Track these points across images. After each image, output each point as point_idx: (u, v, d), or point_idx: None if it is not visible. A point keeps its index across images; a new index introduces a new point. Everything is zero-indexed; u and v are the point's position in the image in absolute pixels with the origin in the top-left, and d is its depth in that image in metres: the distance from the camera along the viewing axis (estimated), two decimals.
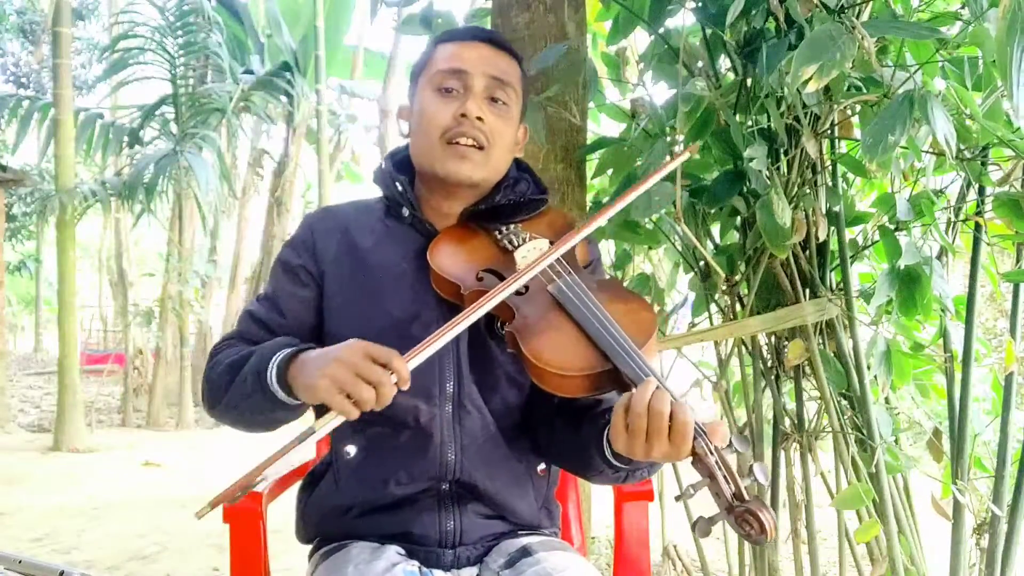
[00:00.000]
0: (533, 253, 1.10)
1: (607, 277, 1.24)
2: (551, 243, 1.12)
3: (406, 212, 1.18)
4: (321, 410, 0.97)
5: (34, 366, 14.99)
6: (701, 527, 0.86)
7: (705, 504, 0.91)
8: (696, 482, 0.87)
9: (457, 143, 1.12)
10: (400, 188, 1.18)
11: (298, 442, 0.88)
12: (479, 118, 1.11)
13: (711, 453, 0.86)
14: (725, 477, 0.85)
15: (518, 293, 1.04)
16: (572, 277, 1.06)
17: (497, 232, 1.16)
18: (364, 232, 1.18)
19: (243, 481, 0.89)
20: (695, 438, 0.86)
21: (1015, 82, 1.26)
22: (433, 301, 1.11)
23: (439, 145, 1.13)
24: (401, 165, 1.22)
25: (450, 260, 1.10)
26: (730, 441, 0.87)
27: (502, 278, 1.05)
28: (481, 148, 1.13)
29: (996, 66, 1.33)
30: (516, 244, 1.13)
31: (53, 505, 4.39)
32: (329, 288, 1.16)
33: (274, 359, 0.99)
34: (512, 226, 1.17)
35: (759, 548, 1.92)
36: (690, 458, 0.88)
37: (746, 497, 0.84)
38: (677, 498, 0.91)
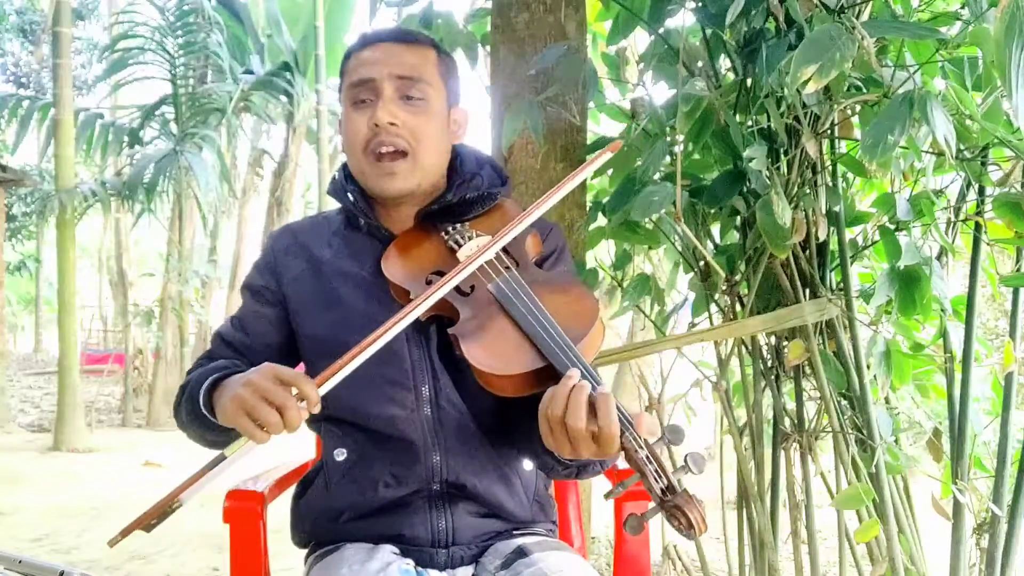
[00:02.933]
0: (475, 251, 1.08)
1: (561, 269, 1.20)
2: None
3: (362, 221, 1.18)
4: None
5: (34, 366, 14.99)
6: (632, 524, 0.84)
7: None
8: (626, 479, 0.86)
9: (380, 154, 1.11)
10: (352, 199, 1.18)
11: (209, 468, 0.88)
12: (391, 123, 1.10)
13: (640, 448, 0.84)
14: (656, 471, 0.83)
15: (463, 294, 1.03)
16: (511, 274, 1.05)
17: (444, 232, 1.15)
18: (323, 245, 1.19)
19: (158, 507, 0.88)
20: (622, 432, 0.84)
21: (1014, 83, 1.26)
22: (397, 307, 1.11)
23: (365, 160, 1.13)
24: (351, 175, 1.22)
25: (400, 267, 1.10)
26: (662, 433, 0.85)
27: None
28: (405, 153, 1.12)
29: (995, 67, 1.33)
30: (461, 243, 1.12)
31: (53, 505, 4.39)
32: (293, 306, 1.17)
33: (203, 385, 1.02)
34: (459, 225, 1.16)
35: (759, 548, 1.92)
36: (622, 453, 0.86)
37: (677, 491, 0.82)
38: (606, 496, 0.88)
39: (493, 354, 0.96)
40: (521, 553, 1.10)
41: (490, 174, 1.22)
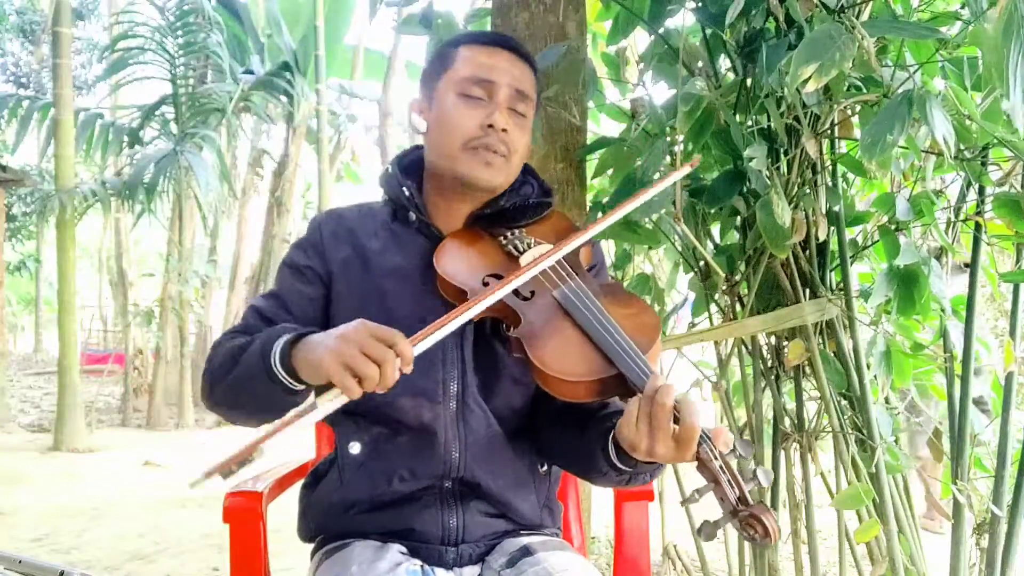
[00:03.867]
0: (536, 258, 1.11)
1: (610, 280, 1.24)
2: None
3: (413, 216, 1.18)
4: (321, 393, 0.94)
5: (34, 366, 14.99)
6: (706, 531, 0.86)
7: (707, 506, 0.91)
8: (701, 487, 0.88)
9: (476, 149, 1.12)
10: (408, 193, 1.18)
11: (298, 417, 0.86)
12: (504, 129, 1.12)
13: (716, 458, 0.86)
14: (729, 481, 0.85)
15: (524, 299, 1.04)
16: (576, 282, 1.07)
17: (502, 238, 1.16)
18: (371, 236, 1.19)
19: (241, 453, 0.86)
20: (700, 443, 0.87)
21: (1012, 84, 1.26)
22: (439, 305, 1.10)
23: (460, 150, 1.13)
24: (408, 169, 1.22)
25: (456, 265, 1.11)
26: (734, 446, 0.88)
27: None
28: (503, 157, 1.14)
29: (993, 67, 1.33)
30: (521, 249, 1.13)
31: (53, 505, 4.39)
32: (337, 290, 1.17)
33: (279, 341, 0.98)
34: (517, 231, 1.18)
35: (759, 548, 1.92)
36: (695, 462, 0.88)
37: (750, 501, 0.84)
38: (683, 503, 0.92)
39: (561, 359, 0.97)
40: (526, 552, 1.11)
41: (536, 184, 1.25)
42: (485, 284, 1.07)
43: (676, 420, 0.87)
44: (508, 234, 1.17)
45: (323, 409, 0.87)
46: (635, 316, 1.04)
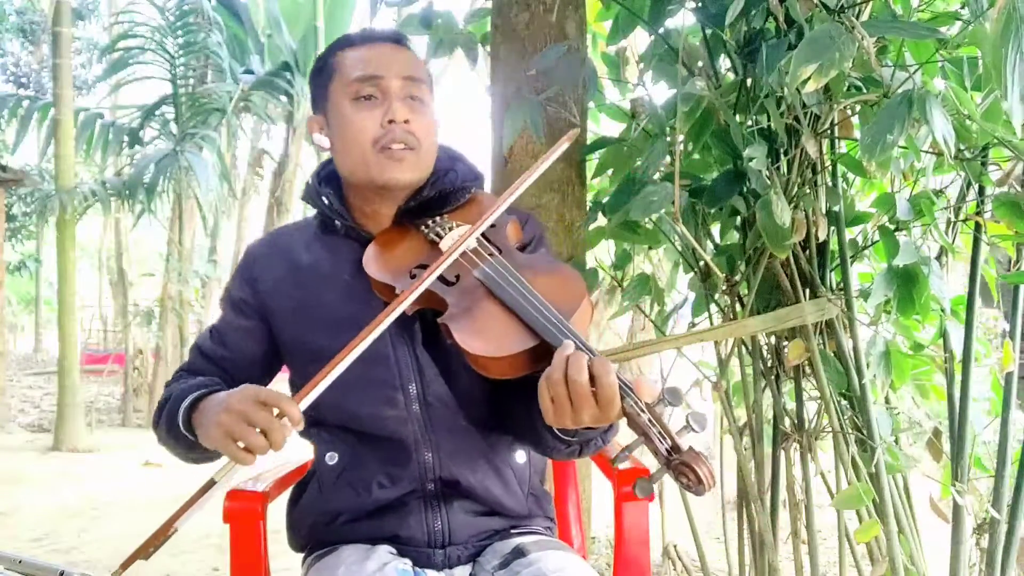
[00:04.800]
0: (456, 240, 1.10)
1: (542, 254, 1.22)
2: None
3: (339, 224, 1.18)
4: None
5: (34, 366, 14.98)
6: (641, 487, 0.84)
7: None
8: (631, 442, 0.86)
9: (386, 149, 1.11)
10: (327, 201, 1.18)
11: (201, 494, 0.90)
12: (406, 121, 1.11)
13: (642, 411, 0.85)
14: (660, 434, 0.84)
15: (449, 284, 1.04)
16: (497, 259, 1.06)
17: (424, 227, 1.16)
18: (302, 250, 1.20)
19: (156, 535, 0.91)
20: (623, 398, 0.85)
21: (1010, 85, 1.26)
22: (379, 305, 1.11)
23: (371, 153, 1.12)
24: (327, 179, 1.22)
25: (382, 264, 1.11)
26: (662, 395, 0.86)
27: None
28: (412, 149, 1.13)
29: (991, 68, 1.33)
30: (442, 235, 1.13)
31: (53, 505, 4.39)
32: (275, 315, 1.18)
33: (181, 406, 1.04)
34: (438, 218, 1.17)
35: (759, 548, 1.92)
36: (623, 419, 0.87)
37: (682, 449, 0.83)
38: (612, 461, 0.90)
39: (485, 337, 0.96)
40: (519, 553, 1.10)
41: (464, 169, 1.23)
42: (412, 276, 1.07)
43: (593, 382, 0.86)
44: (429, 222, 1.16)
45: (223, 481, 0.91)
46: (559, 284, 1.02)
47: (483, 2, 2.45)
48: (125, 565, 0.88)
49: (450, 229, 1.14)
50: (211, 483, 0.90)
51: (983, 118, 1.55)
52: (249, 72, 8.21)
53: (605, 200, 2.06)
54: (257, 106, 8.06)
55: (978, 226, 1.82)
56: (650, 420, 0.84)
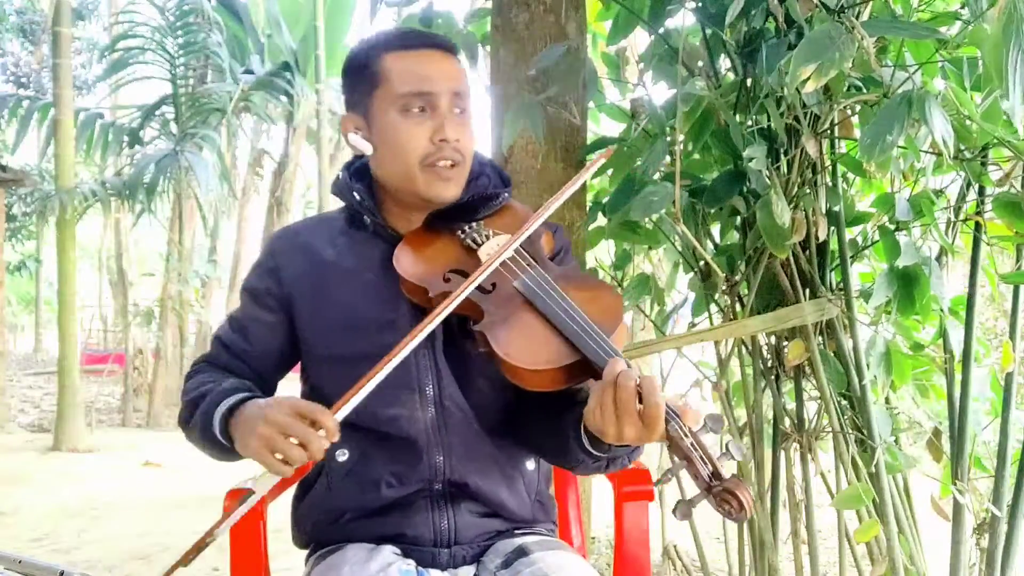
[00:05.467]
0: (496, 249, 1.10)
1: (574, 266, 1.23)
2: None
3: (368, 220, 1.18)
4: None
5: (34, 366, 14.99)
6: (682, 510, 0.85)
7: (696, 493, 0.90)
8: (673, 466, 0.87)
9: (433, 166, 1.11)
10: (358, 197, 1.17)
11: (241, 504, 0.92)
12: (457, 140, 1.11)
13: (686, 436, 0.85)
14: (701, 458, 0.84)
15: (485, 292, 1.04)
16: (536, 270, 1.06)
17: (460, 232, 1.15)
18: (326, 245, 1.18)
19: (196, 546, 0.93)
20: (668, 421, 0.86)
21: (1011, 84, 1.26)
22: (405, 306, 1.11)
23: (417, 168, 1.11)
24: (358, 174, 1.21)
25: (415, 264, 1.10)
26: (704, 421, 0.87)
27: (468, 277, 1.04)
28: (457, 166, 1.13)
29: (992, 67, 1.33)
30: (479, 242, 1.12)
31: (53, 505, 4.39)
32: (299, 309, 1.16)
33: (217, 412, 1.04)
34: (474, 224, 1.16)
35: (759, 548, 1.92)
36: (666, 442, 0.87)
37: (724, 476, 0.83)
38: (656, 483, 0.91)
39: (525, 348, 0.97)
40: (521, 552, 1.10)
41: (493, 174, 1.23)
42: (446, 280, 1.07)
43: (640, 400, 0.86)
44: (465, 227, 1.15)
45: (261, 491, 0.93)
46: (597, 299, 1.03)
47: (483, 2, 2.45)
48: (168, 573, 0.91)
49: (487, 236, 1.13)
50: (250, 493, 0.92)
51: (983, 118, 1.55)
52: (249, 72, 8.21)
53: (605, 200, 2.06)
54: (257, 106, 8.07)
55: (978, 226, 1.82)
56: (693, 445, 0.85)
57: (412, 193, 1.14)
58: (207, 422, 1.04)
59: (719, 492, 0.82)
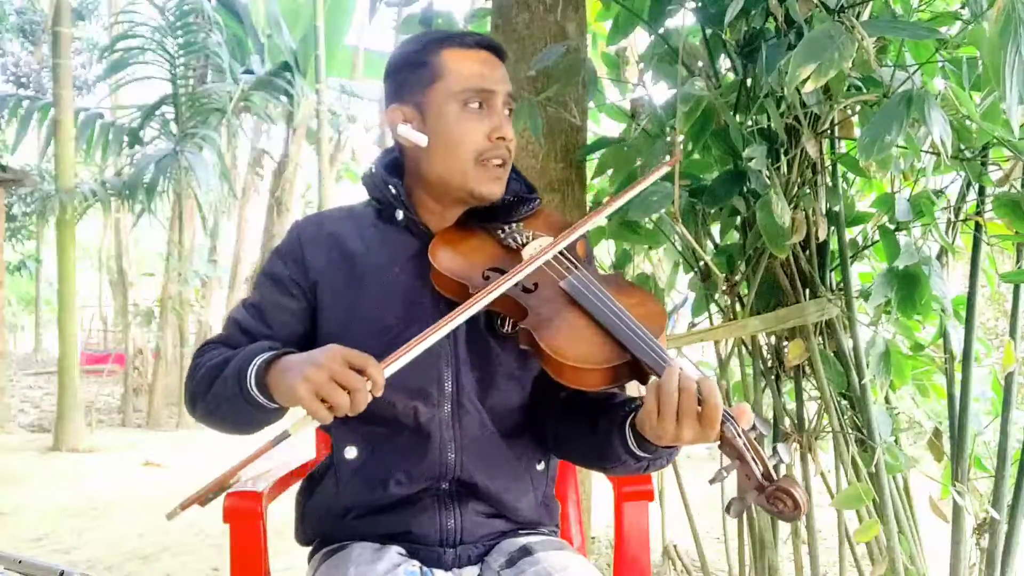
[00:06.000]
0: (539, 249, 1.11)
1: (604, 272, 1.26)
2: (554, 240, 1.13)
3: (400, 215, 1.17)
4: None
5: (34, 366, 14.98)
6: (735, 508, 0.87)
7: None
8: (727, 465, 0.89)
9: (486, 162, 1.12)
10: (394, 191, 1.16)
11: (272, 445, 0.90)
12: (510, 139, 1.14)
13: (739, 436, 0.87)
14: (754, 459, 0.86)
15: (527, 291, 1.04)
16: (582, 272, 1.07)
17: (499, 231, 1.16)
18: (355, 238, 1.18)
19: (218, 481, 0.91)
20: (723, 422, 0.88)
21: (1008, 85, 1.26)
22: (430, 304, 1.10)
23: (471, 164, 1.12)
24: (391, 168, 1.20)
25: (454, 260, 1.10)
26: (754, 424, 0.89)
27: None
28: (505, 165, 1.15)
29: (989, 68, 1.33)
30: (521, 242, 1.14)
31: (53, 505, 4.39)
32: (323, 298, 1.15)
33: (254, 362, 1.00)
34: (514, 225, 1.18)
35: (759, 548, 1.92)
36: (718, 442, 0.89)
37: (775, 476, 0.85)
38: (711, 481, 0.92)
39: (575, 347, 0.98)
40: (525, 552, 1.10)
41: (521, 180, 1.25)
42: (486, 278, 1.07)
43: (699, 402, 0.88)
44: (505, 228, 1.17)
45: (296, 435, 0.90)
46: (641, 304, 1.04)
47: (483, 2, 2.45)
48: (184, 506, 0.88)
49: (528, 238, 1.15)
50: (285, 435, 0.90)
51: (983, 118, 1.55)
52: (249, 72, 8.21)
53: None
54: (257, 106, 8.07)
55: (978, 226, 1.82)
56: (746, 445, 0.87)
57: (461, 188, 1.14)
58: (240, 378, 1.00)
59: (772, 492, 0.84)
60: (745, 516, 1.96)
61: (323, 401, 0.89)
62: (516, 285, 1.03)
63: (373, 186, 1.20)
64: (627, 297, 1.05)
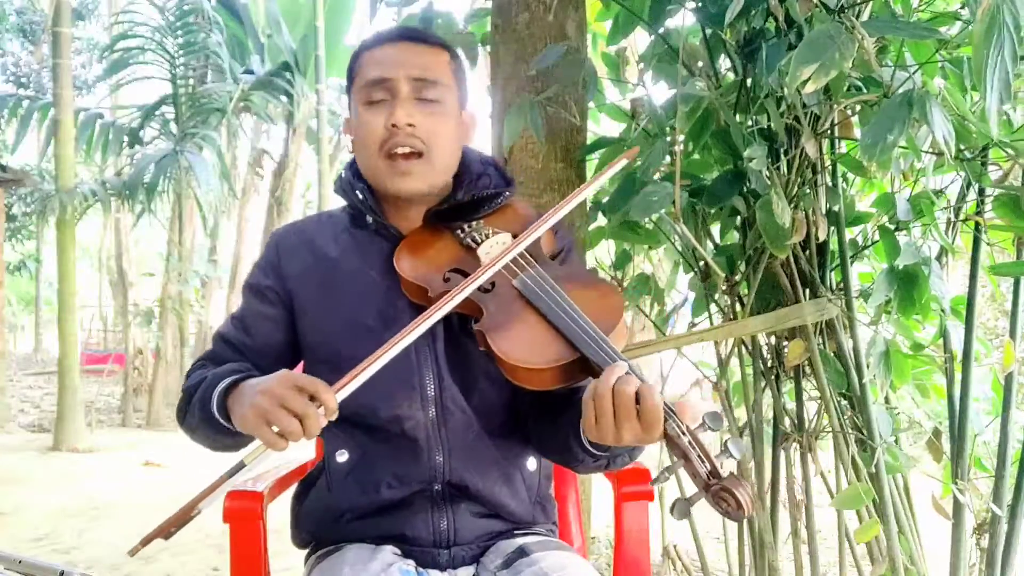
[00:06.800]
0: (496, 248, 1.10)
1: (576, 264, 1.23)
2: (513, 237, 1.12)
3: (370, 220, 1.18)
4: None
5: (34, 366, 14.98)
6: (680, 508, 0.84)
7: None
8: (671, 464, 0.87)
9: (395, 155, 1.10)
10: (361, 196, 1.17)
11: (228, 476, 0.90)
12: (409, 124, 1.09)
13: (683, 434, 0.85)
14: (700, 457, 0.84)
15: (484, 290, 1.04)
16: (536, 270, 1.06)
17: (459, 231, 1.15)
18: (330, 243, 1.18)
19: (178, 515, 0.90)
20: (666, 420, 0.85)
21: (989, 86, 1.26)
22: (406, 306, 1.11)
23: (379, 159, 1.12)
24: (359, 173, 1.21)
25: (415, 264, 1.10)
26: (703, 419, 0.86)
27: (468, 276, 1.04)
28: (420, 155, 1.11)
29: (972, 68, 1.33)
30: (479, 241, 1.12)
31: (53, 505, 4.39)
32: (300, 305, 1.16)
33: (216, 389, 1.02)
34: (474, 223, 1.16)
35: (759, 548, 1.92)
36: (663, 441, 0.87)
37: (721, 475, 0.83)
38: (653, 482, 0.91)
39: (523, 347, 0.97)
40: (522, 552, 1.10)
41: (495, 174, 1.23)
42: (446, 280, 1.07)
43: (638, 402, 0.86)
44: (465, 227, 1.15)
45: (252, 465, 0.89)
46: (598, 299, 1.02)
47: (483, 2, 2.45)
48: (145, 542, 0.87)
49: (486, 236, 1.13)
50: (240, 465, 0.89)
51: (981, 118, 1.55)
52: (249, 72, 8.22)
53: (605, 200, 2.06)
54: (257, 106, 8.07)
55: (978, 226, 1.82)
56: (691, 443, 0.85)
57: (380, 186, 1.14)
58: (205, 402, 1.03)
59: (716, 491, 0.81)
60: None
61: (275, 431, 0.88)
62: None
63: (344, 192, 1.21)
64: (583, 291, 1.03)
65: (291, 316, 1.17)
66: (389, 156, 1.11)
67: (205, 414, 1.03)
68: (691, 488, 0.86)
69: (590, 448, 1.00)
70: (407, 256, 1.12)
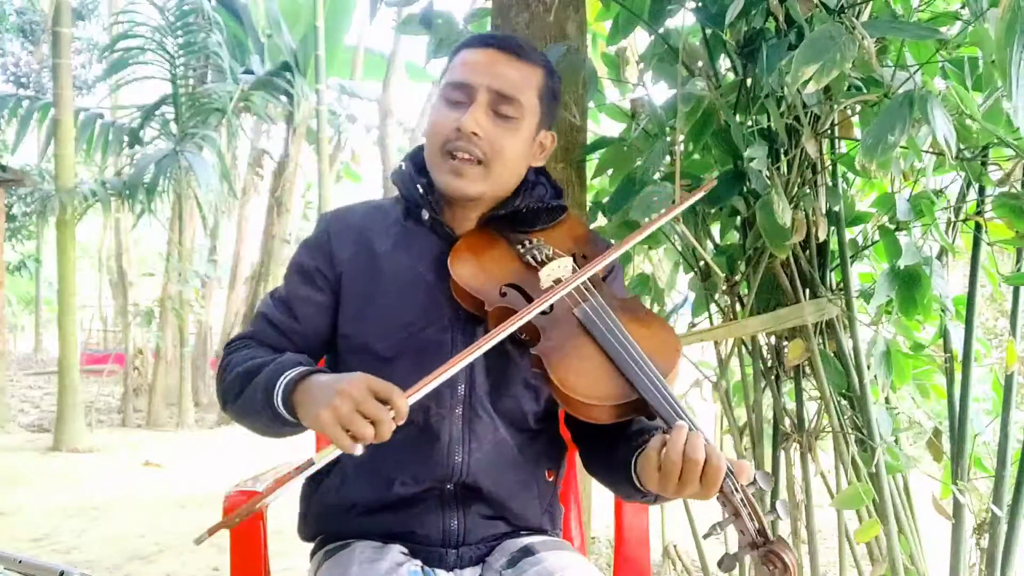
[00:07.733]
0: (557, 271, 1.09)
1: (625, 290, 1.23)
2: (574, 260, 1.11)
3: (426, 215, 1.16)
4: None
5: (34, 366, 14.98)
6: (727, 564, 0.87)
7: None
8: (722, 520, 0.88)
9: (454, 156, 1.10)
10: (421, 190, 1.16)
11: (297, 473, 0.90)
12: (475, 133, 1.09)
13: (737, 491, 0.87)
14: (750, 515, 0.86)
15: (543, 312, 1.03)
16: (597, 300, 1.06)
17: (520, 246, 1.14)
18: (381, 234, 1.17)
19: (244, 509, 0.91)
20: (723, 477, 0.87)
21: (1015, 83, 1.25)
22: (448, 305, 1.10)
23: (439, 155, 1.12)
24: (421, 167, 1.19)
25: (472, 273, 1.09)
26: (754, 479, 0.88)
27: (525, 294, 1.05)
28: (479, 162, 1.11)
29: (996, 66, 1.33)
30: (540, 260, 1.11)
31: (53, 505, 4.39)
32: (345, 290, 1.15)
33: (282, 380, 1.00)
34: (535, 240, 1.16)
35: None
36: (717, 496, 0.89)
37: (770, 536, 0.85)
38: (705, 536, 0.92)
39: (584, 381, 0.97)
40: (527, 552, 1.11)
41: (549, 186, 1.22)
42: (503, 294, 1.06)
43: (704, 464, 0.87)
44: (526, 242, 1.15)
45: (321, 463, 0.90)
46: (655, 337, 1.03)
47: (483, 2, 2.44)
48: (211, 532, 0.87)
49: (547, 256, 1.12)
50: (309, 463, 0.90)
51: (984, 118, 1.55)
52: (249, 72, 8.21)
53: (605, 200, 2.06)
54: (257, 106, 8.06)
55: (978, 226, 1.82)
56: (743, 501, 0.86)
57: (436, 181, 1.14)
58: (268, 394, 1.00)
59: (765, 552, 0.84)
60: None
61: (347, 430, 0.88)
62: None
63: (402, 183, 1.20)
64: (642, 328, 1.03)
65: (337, 302, 1.16)
66: (449, 154, 1.11)
67: (267, 402, 1.01)
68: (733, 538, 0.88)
69: (642, 488, 1.01)
70: (464, 261, 1.10)
